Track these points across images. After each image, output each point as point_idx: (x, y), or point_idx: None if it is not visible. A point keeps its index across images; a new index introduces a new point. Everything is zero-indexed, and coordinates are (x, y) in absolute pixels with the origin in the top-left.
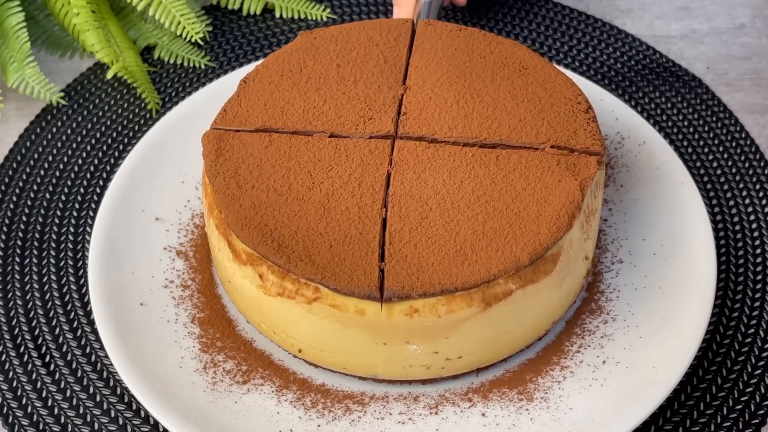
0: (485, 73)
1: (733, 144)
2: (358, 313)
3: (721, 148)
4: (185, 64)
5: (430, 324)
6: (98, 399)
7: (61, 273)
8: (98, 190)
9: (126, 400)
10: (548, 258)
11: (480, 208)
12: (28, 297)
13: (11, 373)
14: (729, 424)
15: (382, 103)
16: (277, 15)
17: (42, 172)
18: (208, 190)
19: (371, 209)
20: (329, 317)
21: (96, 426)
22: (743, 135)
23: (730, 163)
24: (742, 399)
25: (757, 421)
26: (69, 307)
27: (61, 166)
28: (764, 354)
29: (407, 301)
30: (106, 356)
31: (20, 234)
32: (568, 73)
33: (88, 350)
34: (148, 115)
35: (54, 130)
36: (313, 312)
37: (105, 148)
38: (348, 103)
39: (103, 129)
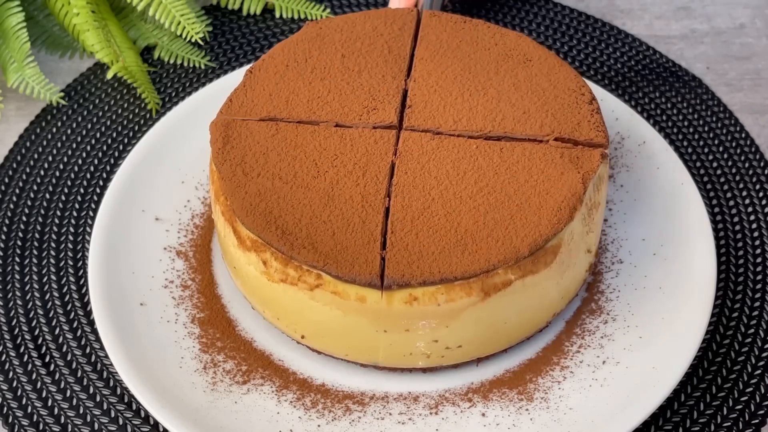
0: (490, 65)
1: (733, 144)
2: (358, 300)
3: (721, 148)
4: (185, 64)
5: (430, 312)
6: (98, 399)
7: (61, 273)
8: (98, 190)
9: (126, 400)
10: (548, 249)
11: (482, 199)
12: (28, 297)
13: (11, 373)
14: (729, 424)
15: (385, 94)
16: (277, 15)
17: (42, 172)
18: (215, 176)
19: (374, 198)
20: (330, 304)
21: (96, 426)
22: (743, 135)
23: (730, 163)
24: (742, 399)
25: (757, 421)
26: (69, 307)
27: (61, 166)
28: (764, 354)
29: (407, 289)
30: (106, 356)
31: (20, 234)
32: None
33: (88, 350)
34: (148, 115)
35: (54, 130)
36: (315, 299)
37: (105, 148)
38: (352, 93)
39: (103, 129)
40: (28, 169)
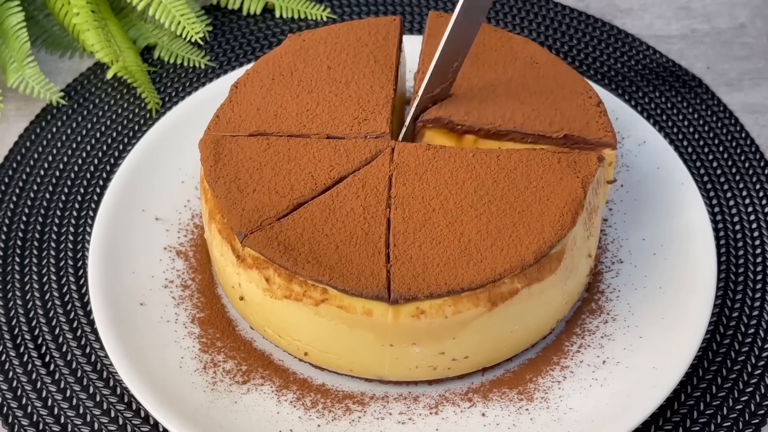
0: (497, 65)
1: (733, 144)
2: (365, 314)
3: (721, 148)
4: (185, 64)
5: (437, 325)
6: (98, 399)
7: (61, 273)
8: (98, 190)
9: (126, 400)
10: (553, 256)
11: (483, 208)
12: (28, 297)
13: (11, 373)
14: (729, 424)
15: (375, 104)
16: (277, 15)
17: (42, 172)
18: (208, 195)
19: (376, 210)
20: (336, 319)
21: (96, 426)
22: (743, 135)
23: (730, 163)
24: (742, 399)
25: (757, 421)
26: (69, 307)
27: (61, 166)
28: (764, 354)
29: (414, 303)
30: (106, 356)
31: (20, 234)
32: None
33: (88, 350)
34: (148, 115)
35: (54, 130)
36: (320, 314)
37: (105, 148)
38: (341, 104)
39: (103, 129)
40: (28, 169)
